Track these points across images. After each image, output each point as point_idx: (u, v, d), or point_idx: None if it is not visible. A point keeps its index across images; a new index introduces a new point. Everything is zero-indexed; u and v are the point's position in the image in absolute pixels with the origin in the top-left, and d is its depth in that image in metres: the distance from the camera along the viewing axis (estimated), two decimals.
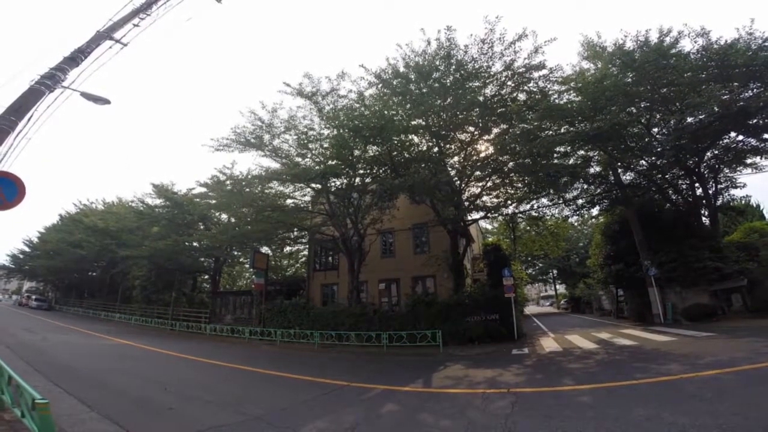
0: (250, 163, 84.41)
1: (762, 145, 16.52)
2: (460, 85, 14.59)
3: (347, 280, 19.24)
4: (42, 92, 6.33)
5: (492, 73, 14.80)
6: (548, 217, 22.22)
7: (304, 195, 20.39)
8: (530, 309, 52.00)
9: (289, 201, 20.47)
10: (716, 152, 17.46)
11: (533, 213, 20.69)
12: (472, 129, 16.41)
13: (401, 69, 15.28)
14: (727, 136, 16.64)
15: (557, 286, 55.44)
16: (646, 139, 17.19)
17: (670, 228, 17.97)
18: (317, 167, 17.01)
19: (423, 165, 15.26)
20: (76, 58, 6.78)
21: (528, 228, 27.35)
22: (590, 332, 16.03)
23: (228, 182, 21.41)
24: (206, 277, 33.47)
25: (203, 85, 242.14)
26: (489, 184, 17.60)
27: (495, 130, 16.32)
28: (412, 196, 17.28)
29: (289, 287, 24.48)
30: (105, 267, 37.72)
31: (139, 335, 19.58)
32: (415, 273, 20.23)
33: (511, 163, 16.39)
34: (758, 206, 27.13)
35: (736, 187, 18.96)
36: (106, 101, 7.21)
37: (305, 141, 17.62)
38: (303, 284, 24.44)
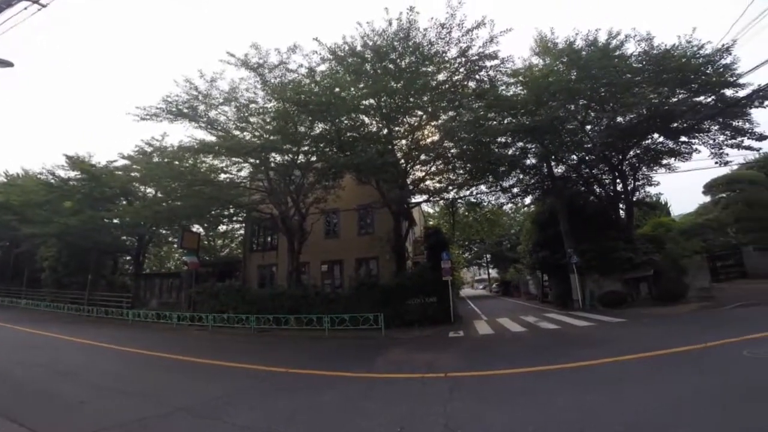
0: (182, 135, 78.03)
1: (677, 147, 18.25)
2: (415, 69, 14.48)
3: (287, 261, 18.62)
4: None
5: (446, 58, 14.81)
6: (486, 204, 23.11)
7: (241, 170, 19.17)
8: (465, 292, 54.87)
9: (223, 176, 19.12)
10: (638, 152, 18.95)
11: (472, 199, 21.41)
12: (420, 113, 16.37)
13: (358, 48, 14.81)
14: (650, 137, 18.07)
15: (490, 270, 58.76)
16: (580, 135, 18.13)
17: (593, 220, 19.53)
18: (257, 141, 16.05)
19: (371, 145, 15.01)
20: None
21: (467, 213, 28.33)
22: (518, 316, 17.12)
23: (155, 154, 19.49)
24: (129, 258, 30.61)
25: (133, 54, 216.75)
26: (433, 168, 17.87)
27: (443, 117, 16.42)
28: (358, 175, 17.07)
29: (222, 269, 23.19)
30: (7, 247, 33.17)
31: (48, 323, 17.45)
32: (360, 255, 20.14)
33: (454, 150, 16.68)
34: (666, 203, 30.66)
35: (651, 185, 20.96)
36: (9, 64, 6.21)
37: (246, 114, 16.59)
38: (239, 265, 23.28)
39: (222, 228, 30.58)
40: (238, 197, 20.29)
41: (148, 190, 24.55)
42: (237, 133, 17.11)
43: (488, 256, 51.88)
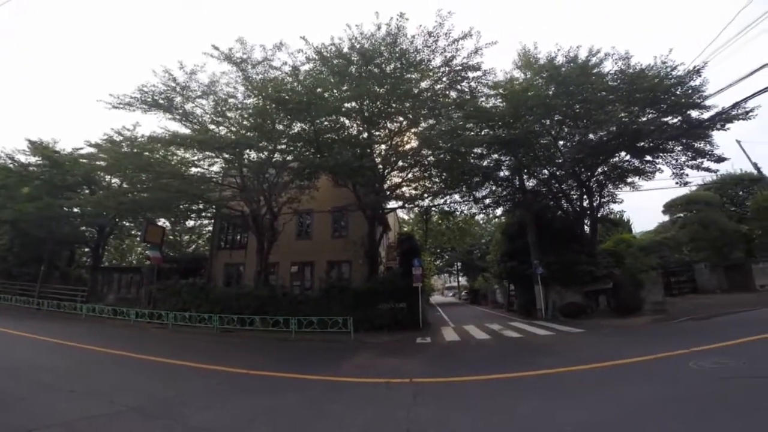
0: (156, 126, 74.88)
1: (642, 166, 19.15)
2: (400, 74, 14.64)
3: (256, 261, 18.21)
4: None
5: (431, 66, 15.04)
6: (459, 213, 23.49)
7: (213, 165, 18.63)
8: (435, 299, 55.39)
9: (194, 170, 18.53)
10: (605, 169, 19.74)
11: (446, 207, 21.72)
12: (401, 119, 16.53)
13: (345, 49, 14.83)
14: (617, 155, 18.82)
15: (460, 279, 59.59)
16: (552, 150, 18.72)
17: (559, 233, 20.17)
18: (232, 136, 15.73)
19: (348, 147, 14.97)
20: None
21: (440, 221, 28.69)
22: (484, 323, 17.42)
23: (125, 144, 18.70)
24: (87, 249, 29.07)
25: (115, 44, 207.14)
26: (410, 175, 18.05)
27: (422, 124, 16.63)
28: (334, 177, 16.97)
29: (187, 266, 22.41)
30: None
31: None
32: (332, 257, 19.97)
33: (431, 158, 16.89)
34: (628, 221, 32.24)
35: (615, 202, 21.97)
36: None
37: (224, 109, 16.33)
38: (204, 263, 22.60)
39: (190, 223, 29.58)
40: (208, 192, 19.70)
41: (114, 180, 23.49)
42: (212, 127, 16.74)
43: (459, 264, 52.62)
